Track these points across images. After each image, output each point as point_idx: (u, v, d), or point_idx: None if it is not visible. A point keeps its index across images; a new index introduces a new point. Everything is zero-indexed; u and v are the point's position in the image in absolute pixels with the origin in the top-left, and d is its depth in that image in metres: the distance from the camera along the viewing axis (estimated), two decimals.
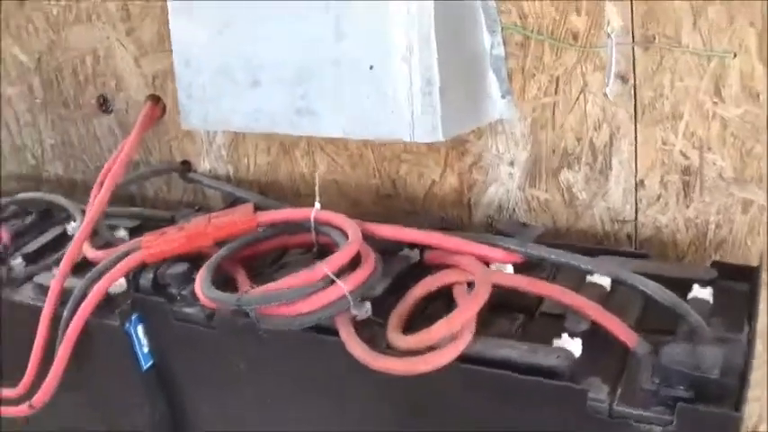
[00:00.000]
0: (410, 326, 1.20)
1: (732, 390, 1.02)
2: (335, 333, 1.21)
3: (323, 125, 1.38)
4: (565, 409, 1.07)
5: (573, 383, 1.07)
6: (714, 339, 1.09)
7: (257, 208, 1.49)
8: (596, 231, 1.42)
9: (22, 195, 1.96)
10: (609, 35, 1.22)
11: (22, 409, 1.61)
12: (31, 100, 2.07)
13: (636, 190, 1.35)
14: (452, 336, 1.13)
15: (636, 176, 1.34)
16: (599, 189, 1.37)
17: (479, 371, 1.12)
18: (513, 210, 1.47)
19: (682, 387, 1.02)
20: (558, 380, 1.08)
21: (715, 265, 1.27)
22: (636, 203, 1.36)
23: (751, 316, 1.18)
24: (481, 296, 1.15)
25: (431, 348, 1.12)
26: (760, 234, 1.30)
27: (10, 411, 1.66)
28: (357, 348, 1.16)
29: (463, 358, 1.12)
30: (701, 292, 1.20)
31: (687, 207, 1.33)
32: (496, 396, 1.14)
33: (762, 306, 1.29)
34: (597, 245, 1.40)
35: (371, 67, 1.26)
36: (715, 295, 1.21)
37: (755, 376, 1.41)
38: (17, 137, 2.16)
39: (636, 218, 1.38)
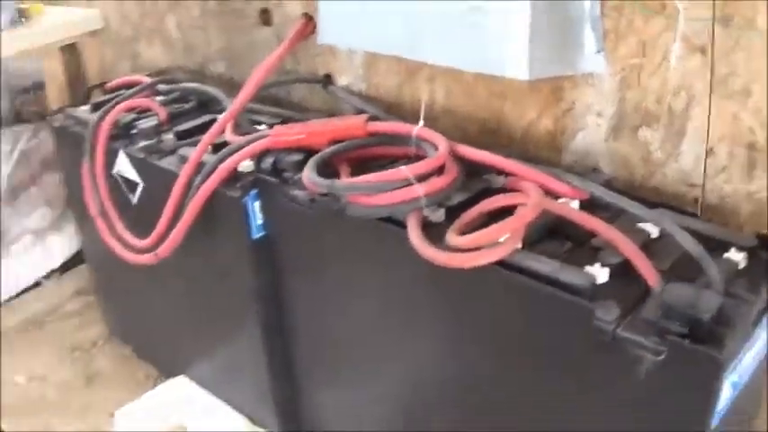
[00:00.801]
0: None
1: (722, 335, 1.13)
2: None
3: (429, 53, 1.63)
4: (577, 322, 1.23)
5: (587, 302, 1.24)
6: (723, 292, 1.20)
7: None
8: (667, 190, 1.54)
9: (185, 84, 2.23)
10: (678, 8, 1.37)
11: (148, 257, 1.94)
12: (203, 7, 2.35)
13: (705, 157, 1.47)
14: (498, 243, 1.33)
15: (707, 144, 1.46)
16: (673, 150, 1.50)
17: (512, 276, 1.30)
18: (597, 158, 1.62)
19: (679, 323, 1.14)
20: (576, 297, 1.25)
21: (760, 236, 1.38)
22: (705, 170, 1.48)
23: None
24: (528, 214, 1.33)
25: (478, 249, 1.32)
26: None
27: (138, 259, 1.97)
28: (415, 238, 1.37)
29: (500, 263, 1.31)
30: (735, 255, 1.32)
31: (750, 181, 1.43)
32: (524, 304, 1.33)
33: None
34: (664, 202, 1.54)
35: (477, 8, 1.47)
36: (749, 261, 1.33)
37: None
38: (189, 36, 2.47)
39: (703, 184, 1.49)
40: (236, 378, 2.14)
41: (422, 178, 1.44)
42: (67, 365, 2.62)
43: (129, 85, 2.31)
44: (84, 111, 2.26)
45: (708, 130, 1.45)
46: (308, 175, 1.52)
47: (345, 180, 1.49)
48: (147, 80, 2.28)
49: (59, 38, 2.65)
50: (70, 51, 2.73)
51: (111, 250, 2.05)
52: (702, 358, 1.13)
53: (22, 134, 2.85)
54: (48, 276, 2.93)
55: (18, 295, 2.87)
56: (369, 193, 1.44)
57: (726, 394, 1.19)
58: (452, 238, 1.36)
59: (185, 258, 1.91)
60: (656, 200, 1.52)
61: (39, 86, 3.06)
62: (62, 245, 2.92)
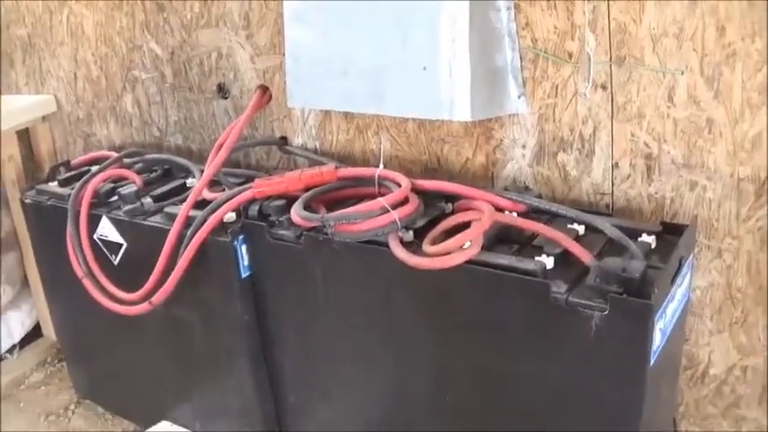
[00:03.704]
0: None
1: (649, 290, 1.50)
2: (387, 246, 1.77)
3: (390, 107, 1.99)
4: (536, 299, 1.60)
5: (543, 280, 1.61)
6: (643, 261, 1.60)
7: None
8: (583, 201, 1.94)
9: (149, 156, 2.52)
10: (589, 55, 1.78)
11: (142, 307, 2.19)
12: (161, 84, 2.64)
13: (612, 170, 1.87)
14: (464, 248, 1.68)
15: (612, 160, 1.86)
16: (585, 168, 1.90)
17: (481, 270, 1.66)
18: (524, 182, 2.00)
19: (615, 285, 1.52)
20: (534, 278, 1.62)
21: (663, 223, 1.79)
22: (612, 180, 1.88)
23: (675, 256, 1.68)
24: (485, 223, 1.69)
25: (449, 254, 1.68)
26: (702, 206, 1.82)
27: (131, 310, 2.22)
28: (400, 252, 1.71)
29: (470, 261, 1.66)
30: (647, 238, 1.73)
31: (649, 185, 1.84)
32: (491, 290, 1.68)
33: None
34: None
35: (425, 68, 1.86)
36: (657, 242, 1.74)
37: (697, 327, 1.95)
38: (146, 113, 2.74)
39: (612, 191, 1.90)
40: (222, 411, 2.39)
41: (394, 206, 1.80)
42: (44, 430, 2.80)
43: (93, 161, 2.62)
44: (53, 186, 2.54)
45: (612, 149, 1.87)
46: (299, 213, 1.86)
47: (335, 213, 1.84)
48: (113, 155, 2.56)
49: (16, 123, 2.92)
50: (24, 135, 3.00)
51: (102, 307, 2.30)
52: (638, 306, 1.51)
53: None
54: (10, 351, 3.14)
55: None
56: (355, 221, 1.79)
57: (657, 339, 1.57)
58: (428, 248, 1.72)
59: (170, 306, 2.19)
60: (576, 208, 1.90)
61: None
62: (21, 321, 3.15)
